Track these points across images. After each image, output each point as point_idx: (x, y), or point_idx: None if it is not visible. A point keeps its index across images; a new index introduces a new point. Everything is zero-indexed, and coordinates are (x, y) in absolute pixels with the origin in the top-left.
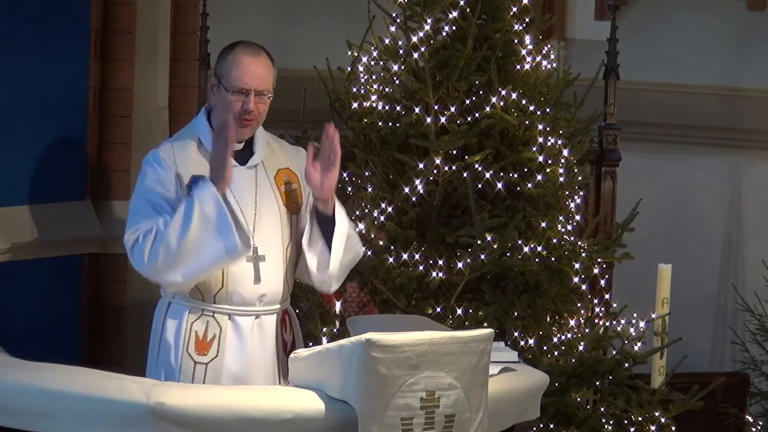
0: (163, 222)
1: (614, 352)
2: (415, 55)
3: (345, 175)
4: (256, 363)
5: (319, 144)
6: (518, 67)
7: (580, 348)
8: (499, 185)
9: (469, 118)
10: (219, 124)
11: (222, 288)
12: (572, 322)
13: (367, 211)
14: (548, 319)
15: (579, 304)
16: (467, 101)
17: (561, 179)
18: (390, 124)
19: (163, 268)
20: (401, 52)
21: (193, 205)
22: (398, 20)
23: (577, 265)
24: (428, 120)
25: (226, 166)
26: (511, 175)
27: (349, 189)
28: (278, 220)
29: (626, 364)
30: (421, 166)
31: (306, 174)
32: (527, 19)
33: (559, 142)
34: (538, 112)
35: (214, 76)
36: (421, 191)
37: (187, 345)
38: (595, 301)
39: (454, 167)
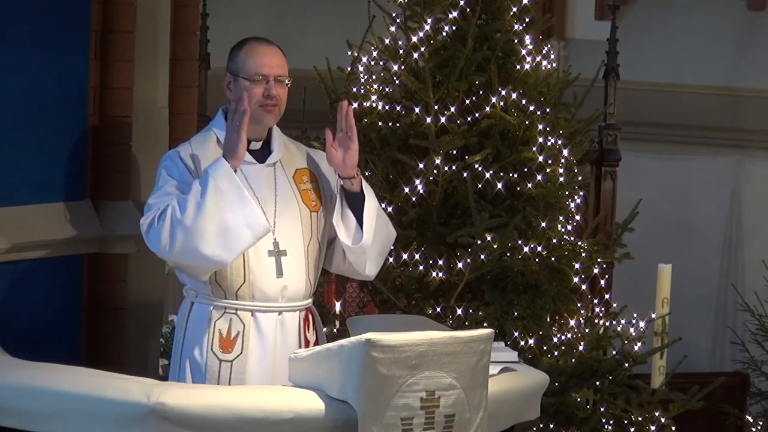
0: (177, 200)
1: (614, 352)
2: (415, 55)
3: None
4: (280, 360)
5: (335, 126)
6: (518, 67)
7: (580, 348)
8: (499, 185)
9: (469, 118)
10: (234, 102)
11: (244, 283)
12: (572, 322)
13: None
14: (548, 319)
15: (579, 304)
16: (467, 101)
17: (561, 179)
18: (390, 124)
19: (183, 249)
20: (401, 52)
21: (207, 181)
22: (398, 20)
23: (577, 265)
24: (428, 120)
25: (240, 141)
26: (511, 175)
27: None
28: (298, 217)
29: (626, 364)
30: (421, 166)
31: (327, 155)
32: (527, 19)
33: (559, 142)
34: (538, 112)
35: (229, 74)
36: (421, 191)
37: (211, 344)
38: (595, 301)
39: (454, 167)
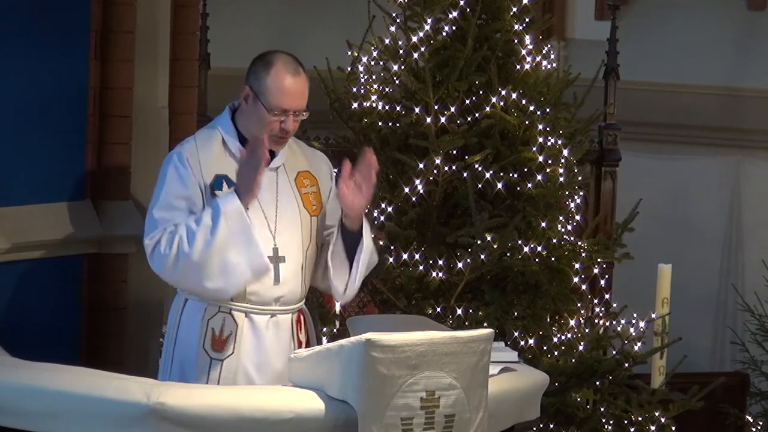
0: (185, 230)
1: (614, 352)
2: (415, 55)
3: None
4: (272, 361)
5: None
6: (518, 67)
7: (580, 348)
8: (499, 185)
9: (469, 118)
10: (252, 140)
11: None
12: (572, 322)
13: (367, 211)
14: (548, 319)
15: (579, 304)
16: (467, 101)
17: (561, 179)
18: (390, 124)
19: (185, 277)
20: (401, 52)
21: (218, 218)
22: (398, 20)
23: (577, 265)
24: (428, 120)
25: (256, 182)
26: (511, 175)
27: None
28: (298, 222)
29: (626, 364)
30: (421, 166)
31: (339, 189)
32: (527, 19)
33: (559, 142)
34: (538, 112)
35: (249, 88)
36: (421, 191)
37: (203, 341)
38: (595, 301)
39: (454, 167)
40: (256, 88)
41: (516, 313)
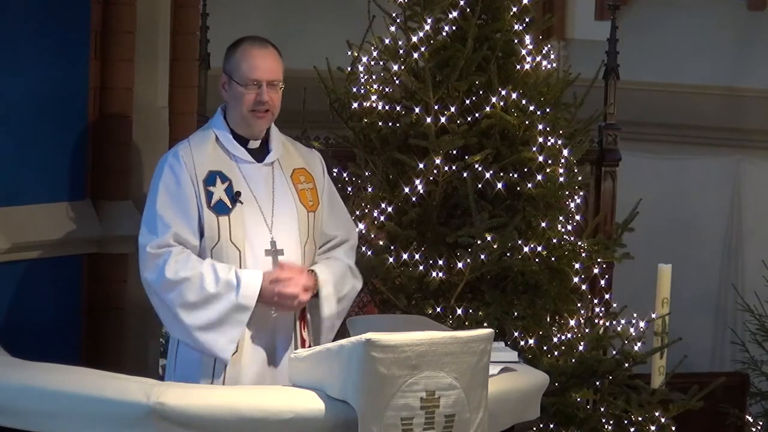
0: (200, 280)
1: (614, 352)
2: (415, 55)
3: (345, 175)
4: (274, 359)
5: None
6: (518, 67)
7: (580, 348)
8: (499, 185)
9: (469, 118)
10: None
11: None
12: (572, 322)
13: (367, 211)
14: (548, 319)
15: (579, 304)
16: (467, 101)
17: (561, 179)
18: (390, 124)
19: (161, 298)
20: (401, 52)
21: (232, 299)
22: (398, 20)
23: (577, 265)
24: (428, 120)
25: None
26: (511, 175)
27: (349, 189)
28: (295, 217)
29: (626, 364)
30: (421, 166)
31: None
32: (527, 19)
33: (559, 142)
34: (538, 112)
35: (224, 74)
36: (421, 191)
37: None
38: (595, 301)
39: (454, 167)
40: (228, 70)
41: (516, 313)
